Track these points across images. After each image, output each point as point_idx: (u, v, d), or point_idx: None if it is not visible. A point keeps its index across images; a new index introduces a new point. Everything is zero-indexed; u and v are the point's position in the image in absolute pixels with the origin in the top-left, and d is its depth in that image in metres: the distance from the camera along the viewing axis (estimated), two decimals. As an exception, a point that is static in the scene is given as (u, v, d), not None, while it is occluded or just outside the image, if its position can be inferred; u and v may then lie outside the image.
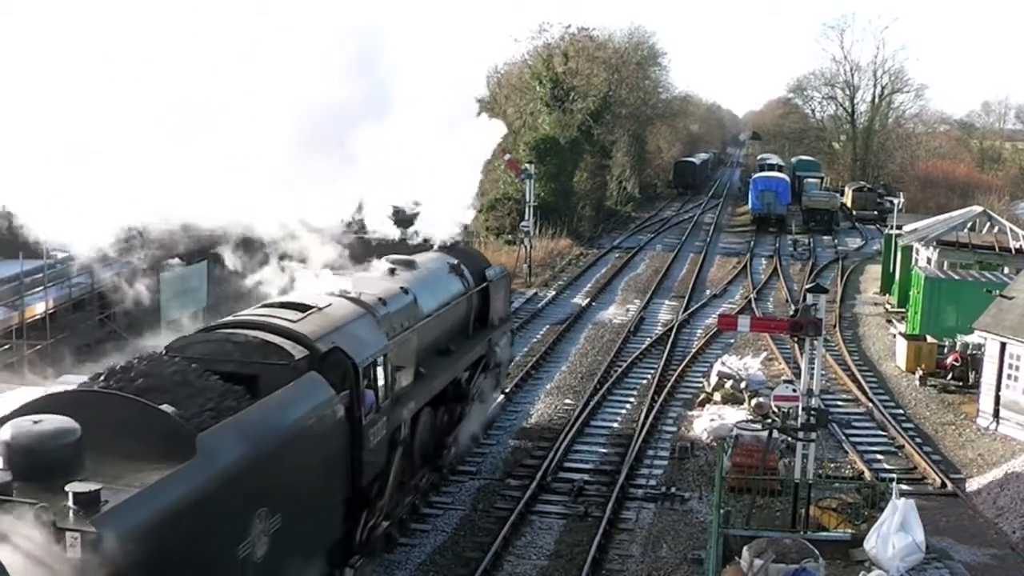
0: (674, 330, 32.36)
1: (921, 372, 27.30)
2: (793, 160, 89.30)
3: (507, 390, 24.30)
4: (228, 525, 10.19)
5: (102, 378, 11.38)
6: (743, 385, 24.67)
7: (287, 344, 12.91)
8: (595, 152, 64.04)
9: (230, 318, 14.00)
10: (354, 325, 14.32)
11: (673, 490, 19.14)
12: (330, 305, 14.57)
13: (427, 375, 16.91)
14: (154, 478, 9.13)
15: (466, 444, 20.41)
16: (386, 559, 15.81)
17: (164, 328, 25.24)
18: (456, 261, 20.14)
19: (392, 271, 17.68)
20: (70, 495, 8.23)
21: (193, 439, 9.81)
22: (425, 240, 20.66)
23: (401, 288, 16.77)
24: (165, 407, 10.28)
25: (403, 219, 19.80)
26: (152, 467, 9.27)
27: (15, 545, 7.47)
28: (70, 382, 11.73)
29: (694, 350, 29.97)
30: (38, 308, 24.69)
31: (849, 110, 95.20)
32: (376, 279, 16.86)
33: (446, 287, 18.99)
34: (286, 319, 13.56)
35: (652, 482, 19.72)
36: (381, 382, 14.38)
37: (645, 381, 26.71)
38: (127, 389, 10.87)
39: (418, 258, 19.24)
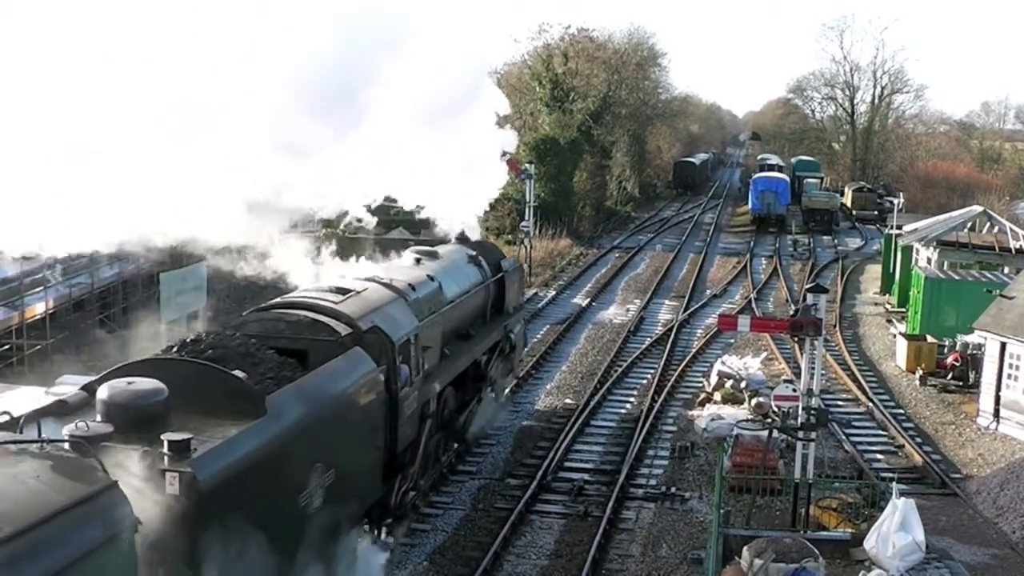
0: (674, 330, 32.36)
1: (921, 372, 27.30)
2: (793, 160, 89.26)
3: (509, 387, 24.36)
4: (292, 476, 11.58)
5: (174, 349, 12.73)
6: (743, 385, 24.66)
7: (333, 322, 14.31)
8: (595, 152, 64.05)
9: (278, 300, 15.37)
10: (389, 307, 15.82)
11: (673, 490, 19.13)
12: (366, 289, 16.05)
13: (451, 356, 18.29)
14: (232, 432, 10.46)
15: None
16: (388, 560, 15.81)
17: (164, 328, 25.26)
18: (474, 252, 21.65)
19: (418, 260, 19.26)
20: (165, 443, 9.41)
21: (263, 400, 11.27)
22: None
23: (428, 276, 18.29)
24: (237, 372, 11.68)
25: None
26: (228, 423, 10.59)
27: (125, 483, 8.37)
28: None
29: (694, 350, 29.97)
30: (38, 308, 24.72)
31: (849, 110, 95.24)
32: (405, 267, 18.56)
33: (466, 276, 20.40)
34: (330, 301, 15.01)
35: (652, 482, 19.71)
36: (413, 359, 15.65)
37: (645, 381, 26.70)
38: (200, 358, 12.12)
39: (440, 249, 20.76)
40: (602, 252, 50.82)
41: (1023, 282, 24.75)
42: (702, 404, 24.38)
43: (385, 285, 16.57)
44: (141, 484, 8.81)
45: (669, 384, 26.08)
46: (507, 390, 23.77)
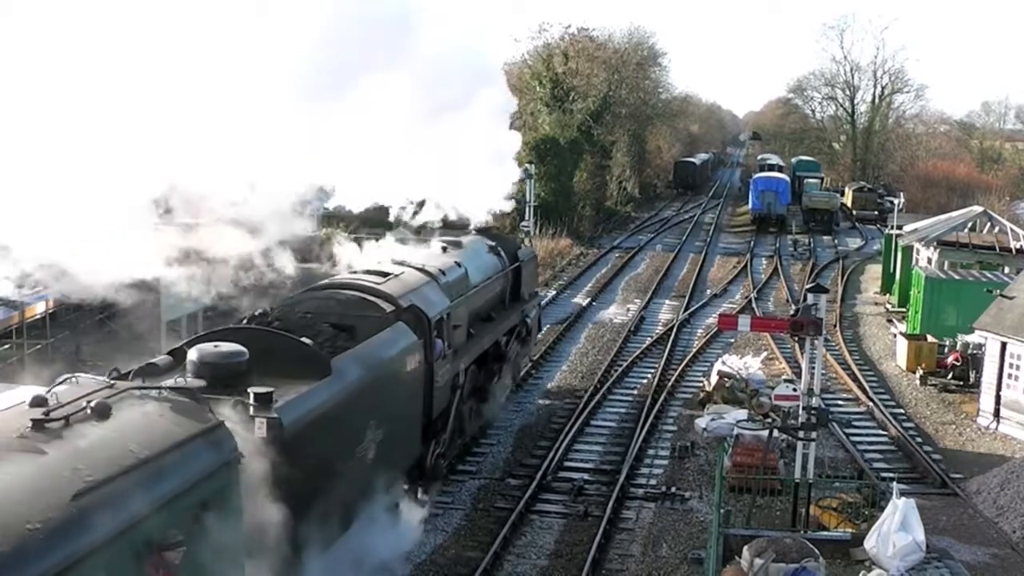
0: (674, 330, 32.35)
1: (921, 371, 27.29)
2: (793, 160, 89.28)
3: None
4: (352, 430, 13.18)
5: (244, 321, 14.31)
6: (743, 384, 24.63)
7: (377, 301, 16.03)
8: (595, 152, 64.00)
9: (327, 281, 17.21)
10: (424, 288, 17.51)
11: (673, 490, 19.12)
12: (403, 273, 17.77)
13: (476, 336, 20.02)
14: (304, 388, 12.03)
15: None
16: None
17: (164, 328, 25.24)
18: (493, 243, 23.42)
19: (444, 249, 20.94)
20: (251, 394, 10.74)
21: (328, 363, 12.91)
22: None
23: (455, 262, 19.92)
24: (305, 339, 13.25)
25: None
26: (300, 382, 12.12)
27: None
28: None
29: (694, 350, 29.96)
30: (38, 308, 24.68)
31: (849, 110, 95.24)
32: (434, 254, 20.27)
33: (487, 264, 22.14)
34: (373, 282, 16.70)
35: (652, 482, 19.69)
36: (445, 335, 17.41)
37: (645, 381, 26.69)
38: (269, 328, 13.73)
39: (463, 239, 22.39)
40: (602, 252, 50.81)
41: (1023, 282, 24.75)
42: (702, 404, 24.35)
43: (419, 269, 18.32)
44: (237, 428, 10.10)
45: (669, 384, 26.07)
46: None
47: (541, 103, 60.64)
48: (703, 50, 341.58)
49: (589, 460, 20.89)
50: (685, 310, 36.10)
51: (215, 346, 11.81)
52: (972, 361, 26.37)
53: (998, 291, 24.80)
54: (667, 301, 38.53)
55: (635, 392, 25.69)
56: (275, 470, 10.34)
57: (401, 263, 18.45)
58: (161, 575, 8.40)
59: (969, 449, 22.23)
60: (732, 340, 31.13)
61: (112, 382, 10.08)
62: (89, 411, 8.82)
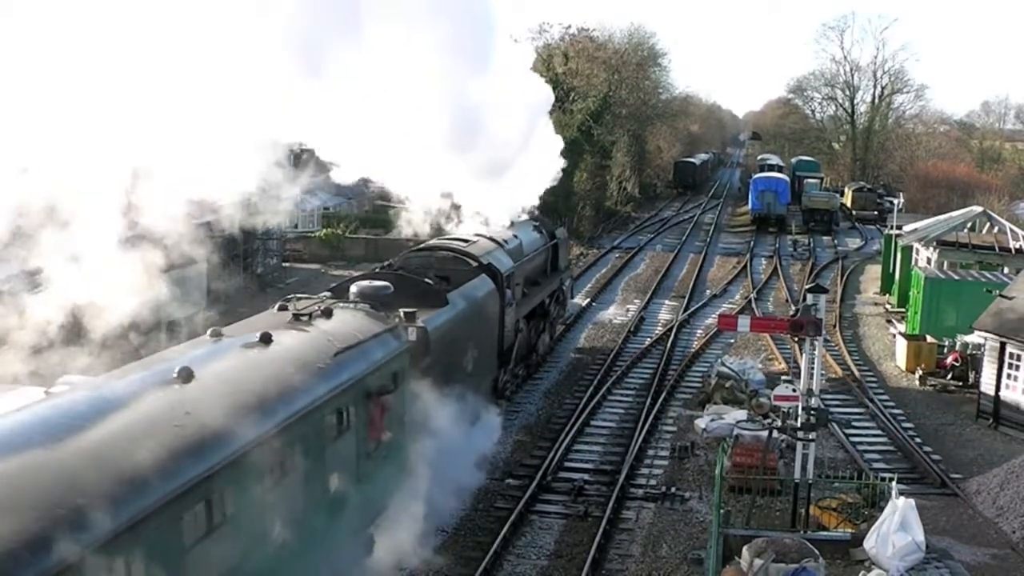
0: (674, 330, 32.35)
1: (921, 372, 27.31)
2: (793, 160, 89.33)
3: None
4: (460, 346, 18.21)
5: (376, 270, 19.86)
6: (743, 385, 24.63)
7: (465, 258, 21.42)
8: (595, 152, 63.95)
9: (424, 244, 22.90)
10: (495, 252, 22.82)
11: (673, 490, 19.13)
12: (478, 240, 23.14)
13: (528, 295, 25.02)
14: (431, 312, 16.95)
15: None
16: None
17: (164, 328, 25.21)
18: (537, 222, 28.79)
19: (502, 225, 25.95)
20: (401, 313, 15.28)
21: (446, 296, 18.24)
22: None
23: (513, 234, 25.37)
24: (427, 279, 18.82)
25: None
26: (427, 308, 16.88)
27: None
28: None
29: (694, 350, 29.96)
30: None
31: (849, 110, 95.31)
32: (498, 228, 25.40)
33: (534, 239, 27.32)
34: (461, 244, 22.24)
35: (652, 482, 19.70)
36: (512, 288, 22.45)
37: (645, 381, 26.70)
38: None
39: (514, 219, 27.36)
40: (602, 252, 50.81)
41: (1023, 282, 24.76)
42: (702, 404, 24.35)
43: (489, 238, 23.54)
44: (401, 332, 14.40)
45: (669, 384, 26.07)
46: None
47: (541, 103, 60.52)
48: (703, 50, 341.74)
49: (589, 460, 20.90)
50: (685, 310, 36.10)
51: (369, 282, 16.33)
52: (971, 361, 26.38)
53: (997, 291, 24.81)
54: (667, 301, 38.53)
55: (634, 392, 25.70)
56: (422, 360, 15.10)
57: (476, 234, 23.67)
58: (379, 410, 12.79)
59: (969, 449, 22.23)
60: (732, 341, 31.13)
61: (323, 298, 14.55)
62: (320, 312, 13.02)
